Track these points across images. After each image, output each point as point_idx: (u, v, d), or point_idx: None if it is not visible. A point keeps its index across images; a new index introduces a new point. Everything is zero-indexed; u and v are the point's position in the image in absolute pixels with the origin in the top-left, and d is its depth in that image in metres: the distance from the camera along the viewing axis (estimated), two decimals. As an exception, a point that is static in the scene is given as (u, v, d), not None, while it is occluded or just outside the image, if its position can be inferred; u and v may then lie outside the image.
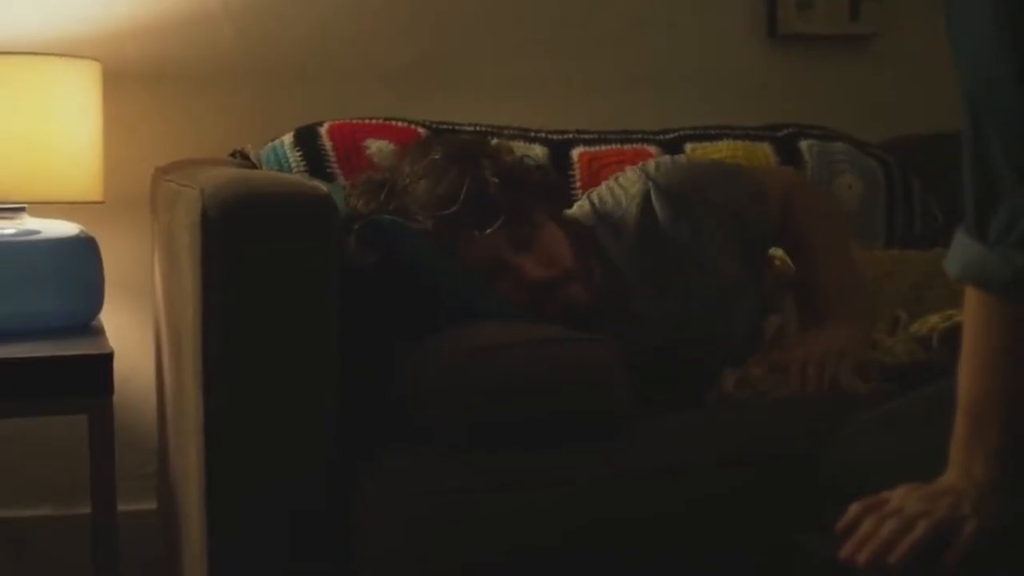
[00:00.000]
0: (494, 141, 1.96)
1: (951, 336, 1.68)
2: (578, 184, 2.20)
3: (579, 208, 1.97)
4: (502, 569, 1.44)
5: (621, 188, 1.92)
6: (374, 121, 2.20)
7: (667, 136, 2.31)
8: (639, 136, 2.31)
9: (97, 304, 2.10)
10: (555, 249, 1.79)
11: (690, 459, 1.52)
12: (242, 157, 2.16)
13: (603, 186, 1.97)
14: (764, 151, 2.29)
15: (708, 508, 1.48)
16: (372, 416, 1.58)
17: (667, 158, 2.01)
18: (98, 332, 2.03)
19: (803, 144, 2.32)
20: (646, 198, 1.87)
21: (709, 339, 1.83)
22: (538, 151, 2.22)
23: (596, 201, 1.94)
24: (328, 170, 2.10)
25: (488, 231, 1.73)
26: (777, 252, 1.97)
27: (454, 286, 1.68)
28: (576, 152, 2.24)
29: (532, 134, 2.27)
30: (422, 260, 1.67)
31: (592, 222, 1.91)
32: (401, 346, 1.60)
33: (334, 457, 1.49)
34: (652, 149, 2.27)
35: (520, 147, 2.18)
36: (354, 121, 2.19)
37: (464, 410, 1.51)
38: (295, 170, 2.10)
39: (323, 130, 2.15)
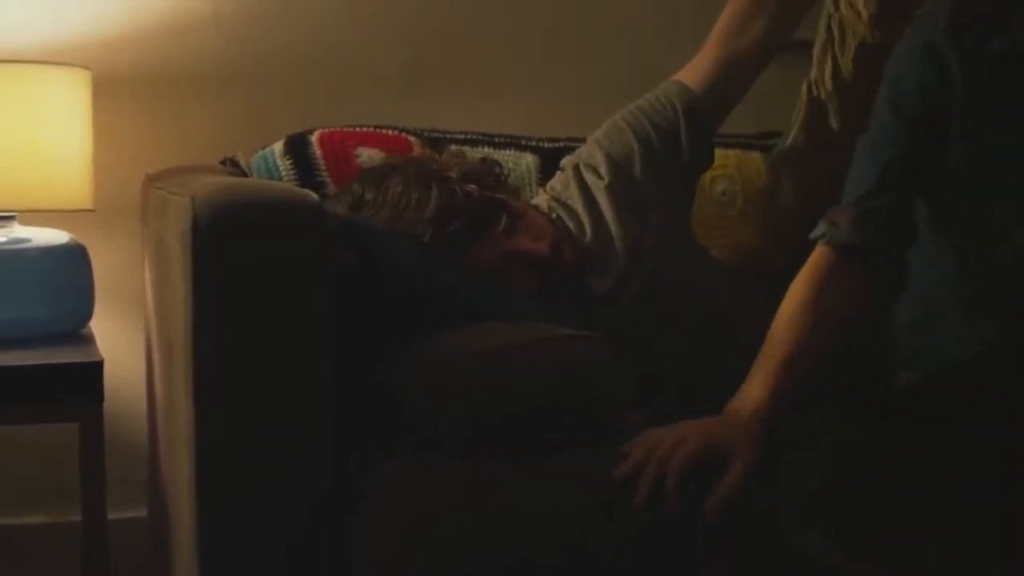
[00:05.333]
0: (426, 152, 2.06)
1: None
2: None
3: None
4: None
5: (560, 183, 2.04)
6: (365, 129, 2.20)
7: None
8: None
9: (87, 312, 2.10)
10: (537, 223, 1.88)
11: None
12: (232, 165, 2.16)
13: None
14: (755, 160, 2.30)
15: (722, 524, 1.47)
16: (367, 422, 1.58)
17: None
18: (88, 340, 2.03)
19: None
20: (577, 173, 2.00)
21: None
22: (529, 159, 2.23)
23: (549, 189, 2.05)
24: (318, 178, 2.10)
25: (498, 231, 1.82)
26: None
27: (433, 280, 1.70)
28: (566, 161, 2.24)
29: (523, 142, 2.27)
30: (400, 257, 1.68)
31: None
32: (392, 351, 1.60)
33: (329, 464, 1.49)
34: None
35: (511, 155, 2.20)
36: (344, 129, 2.19)
37: (462, 414, 1.52)
38: (285, 178, 2.10)
39: (313, 138, 2.15)
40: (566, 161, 2.07)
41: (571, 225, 1.96)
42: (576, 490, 1.48)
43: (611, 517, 1.46)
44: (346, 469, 1.51)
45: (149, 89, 2.36)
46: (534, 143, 2.27)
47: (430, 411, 1.54)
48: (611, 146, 2.00)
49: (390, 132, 2.20)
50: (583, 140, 2.29)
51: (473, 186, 1.84)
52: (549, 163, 2.23)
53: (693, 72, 2.03)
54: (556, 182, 2.06)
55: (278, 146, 2.14)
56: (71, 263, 2.07)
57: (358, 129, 2.20)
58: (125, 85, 2.33)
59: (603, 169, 1.97)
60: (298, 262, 1.46)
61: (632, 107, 2.03)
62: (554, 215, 1.97)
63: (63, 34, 2.30)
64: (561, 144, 2.28)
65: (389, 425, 1.58)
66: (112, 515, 1.92)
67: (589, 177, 1.98)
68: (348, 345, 1.53)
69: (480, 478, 1.47)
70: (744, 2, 2.01)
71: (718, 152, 2.22)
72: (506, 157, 2.19)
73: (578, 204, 1.97)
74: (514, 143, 2.26)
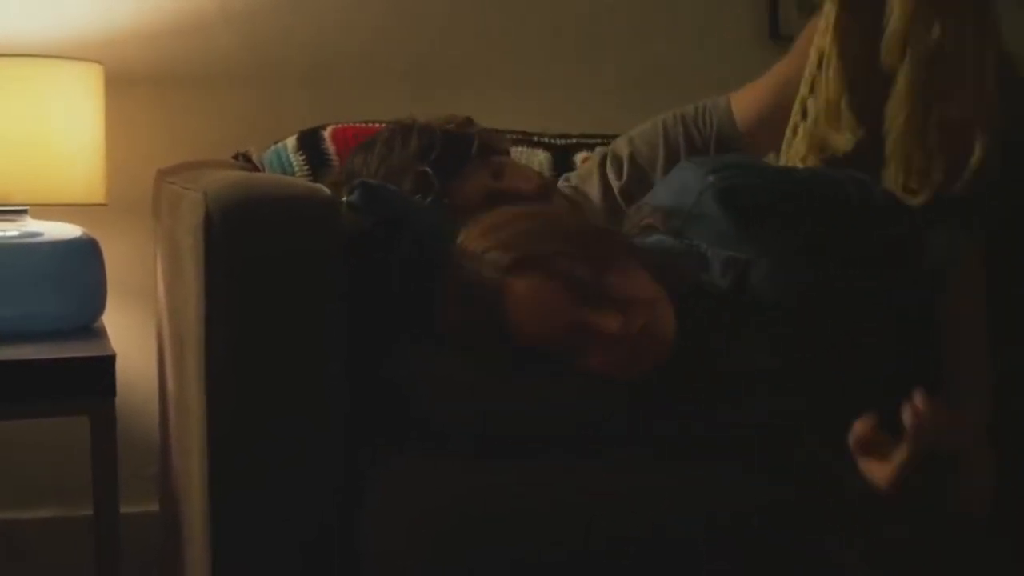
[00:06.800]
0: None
1: None
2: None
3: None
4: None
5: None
6: (377, 124, 2.20)
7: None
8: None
9: (99, 306, 2.11)
10: (525, 170, 1.94)
11: (708, 474, 1.51)
12: (245, 160, 2.16)
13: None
14: (765, 154, 2.29)
15: (724, 524, 1.47)
16: (378, 418, 1.58)
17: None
18: (100, 334, 2.04)
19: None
20: (602, 165, 2.03)
21: None
22: (541, 156, 2.23)
23: (564, 179, 2.09)
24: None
25: (472, 157, 1.86)
26: None
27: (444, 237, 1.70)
28: (579, 157, 2.24)
29: (535, 138, 2.27)
30: (412, 215, 1.68)
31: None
32: (399, 346, 1.60)
33: (340, 460, 1.49)
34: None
35: (523, 152, 2.20)
36: (357, 124, 2.19)
37: (472, 412, 1.51)
38: (298, 173, 2.10)
39: (326, 133, 2.15)
40: (599, 149, 2.07)
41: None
42: (581, 488, 1.48)
43: (615, 515, 1.46)
44: (356, 464, 1.51)
45: (161, 84, 2.36)
46: (546, 140, 2.27)
47: (438, 408, 1.54)
48: (639, 147, 2.01)
49: (402, 128, 2.21)
50: (594, 137, 2.29)
51: (452, 125, 1.91)
52: (561, 159, 2.23)
53: (745, 102, 2.02)
54: (578, 171, 2.08)
55: (291, 141, 2.15)
56: (83, 257, 2.07)
57: (370, 125, 2.20)
58: (137, 80, 2.34)
59: (625, 169, 1.99)
60: (310, 257, 1.46)
61: (679, 112, 2.04)
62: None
63: (75, 30, 2.30)
64: (573, 140, 2.28)
65: (397, 420, 1.58)
66: (124, 509, 1.93)
67: (611, 173, 1.99)
68: (357, 338, 1.53)
69: (487, 475, 1.47)
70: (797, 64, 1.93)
71: None
72: (518, 154, 2.18)
73: (595, 191, 1.98)
74: (526, 140, 2.25)
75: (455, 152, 1.86)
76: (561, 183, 2.06)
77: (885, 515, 1.45)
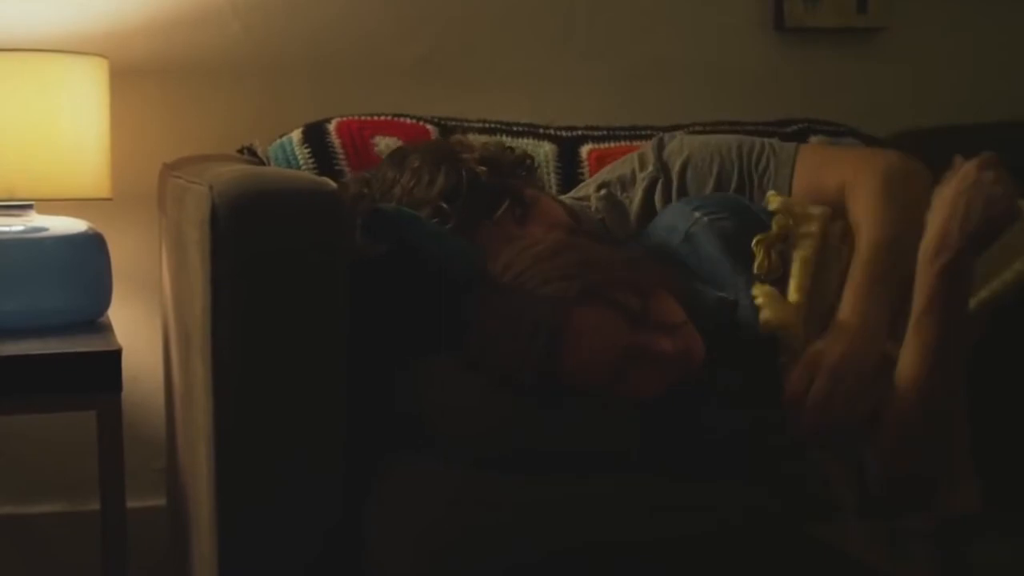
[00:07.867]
0: (456, 136, 2.06)
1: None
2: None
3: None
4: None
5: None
6: (382, 117, 2.20)
7: (676, 131, 2.30)
8: (648, 132, 2.29)
9: (105, 300, 2.11)
10: (553, 215, 1.86)
11: (707, 475, 1.49)
12: (250, 153, 2.16)
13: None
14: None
15: (724, 524, 1.46)
16: (383, 420, 1.58)
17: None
18: (106, 328, 2.03)
19: (812, 139, 2.31)
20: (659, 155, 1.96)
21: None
22: (547, 148, 2.22)
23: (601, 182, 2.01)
24: (336, 167, 2.10)
25: (497, 215, 1.79)
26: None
27: (460, 266, 1.69)
28: (585, 149, 2.23)
29: (541, 130, 2.26)
30: (428, 243, 1.67)
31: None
32: (409, 357, 1.59)
33: (345, 456, 1.49)
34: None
35: (529, 144, 2.19)
36: (362, 118, 2.19)
37: (472, 429, 1.51)
38: (303, 167, 2.10)
39: (331, 127, 2.15)
40: (656, 140, 2.00)
41: (612, 216, 1.94)
42: (581, 488, 1.47)
43: (614, 516, 1.45)
44: (360, 463, 1.50)
45: (167, 78, 2.36)
46: (552, 132, 2.26)
47: (442, 421, 1.54)
48: (694, 165, 1.93)
49: (408, 120, 2.20)
50: (601, 129, 2.28)
51: (483, 168, 1.83)
52: (566, 151, 2.22)
53: (807, 185, 1.87)
54: (616, 172, 2.01)
55: (296, 134, 2.14)
56: (89, 252, 2.07)
57: (376, 118, 2.20)
58: (143, 74, 2.33)
59: (674, 173, 1.93)
60: (317, 251, 1.45)
61: (746, 146, 1.93)
62: (593, 207, 1.96)
63: (81, 23, 2.30)
64: (579, 132, 2.27)
65: (403, 430, 1.57)
66: (131, 503, 1.93)
67: (659, 193, 1.94)
68: (367, 343, 1.52)
69: (490, 484, 1.46)
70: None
71: None
72: (524, 146, 2.18)
73: (637, 199, 1.94)
74: (531, 132, 2.25)
75: (480, 203, 1.79)
76: (595, 192, 2.00)
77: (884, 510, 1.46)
